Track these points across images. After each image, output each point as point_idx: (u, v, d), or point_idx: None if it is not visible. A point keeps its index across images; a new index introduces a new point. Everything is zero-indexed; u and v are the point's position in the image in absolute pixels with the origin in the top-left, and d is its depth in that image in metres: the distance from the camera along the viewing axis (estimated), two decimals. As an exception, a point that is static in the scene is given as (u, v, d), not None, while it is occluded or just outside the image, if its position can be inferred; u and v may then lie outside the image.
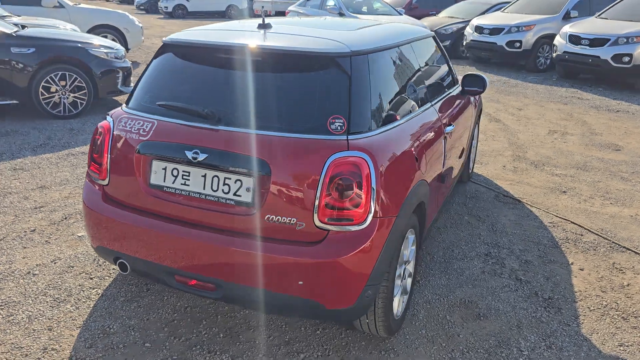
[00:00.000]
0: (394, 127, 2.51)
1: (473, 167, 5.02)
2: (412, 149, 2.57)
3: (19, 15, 8.67)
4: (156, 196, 2.45)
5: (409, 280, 2.83)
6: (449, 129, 3.21)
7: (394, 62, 2.77)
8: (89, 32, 10.39)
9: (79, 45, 6.51)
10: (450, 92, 3.68)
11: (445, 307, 2.96)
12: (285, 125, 2.28)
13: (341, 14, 12.04)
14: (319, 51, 2.36)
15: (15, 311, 2.76)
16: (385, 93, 2.56)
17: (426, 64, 3.34)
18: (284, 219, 2.24)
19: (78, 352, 2.49)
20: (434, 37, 3.75)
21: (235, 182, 2.29)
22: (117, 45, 7.18)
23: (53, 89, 6.30)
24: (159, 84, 2.59)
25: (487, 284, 3.21)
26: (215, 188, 2.33)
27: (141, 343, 2.57)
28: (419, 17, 14.57)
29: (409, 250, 2.69)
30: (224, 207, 2.32)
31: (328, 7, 12.41)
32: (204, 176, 2.35)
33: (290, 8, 14.22)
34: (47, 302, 2.86)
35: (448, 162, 3.32)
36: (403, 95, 2.75)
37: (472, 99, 4.26)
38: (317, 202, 2.19)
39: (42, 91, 6.23)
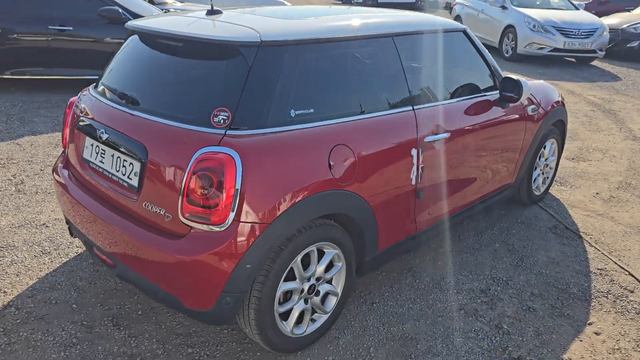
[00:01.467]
0: (304, 127, 2.26)
1: (546, 189, 4.25)
2: (327, 153, 2.29)
3: (182, 2, 9.77)
4: (86, 170, 2.60)
5: (332, 299, 2.55)
6: (432, 137, 2.77)
7: (342, 57, 2.48)
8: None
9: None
10: (473, 98, 3.15)
11: (380, 338, 2.60)
12: (172, 113, 2.23)
13: (504, 8, 11.02)
14: (223, 39, 2.24)
15: (7, 254, 3.20)
16: (306, 89, 2.31)
17: (424, 62, 2.93)
18: (156, 209, 2.21)
19: (19, 299, 2.79)
20: (464, 33, 3.25)
21: (129, 164, 2.32)
22: None
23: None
24: (115, 67, 2.71)
25: (452, 324, 2.73)
26: (117, 168, 2.39)
27: (71, 303, 2.78)
28: (609, 13, 12.65)
29: (321, 266, 2.42)
30: (121, 187, 2.37)
31: (490, -1, 11.47)
32: (112, 156, 2.42)
33: (457, 0, 13.48)
34: (35, 251, 3.24)
35: (434, 174, 2.87)
36: (345, 94, 2.46)
37: (529, 108, 3.60)
38: (181, 196, 2.11)
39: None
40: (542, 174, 4.14)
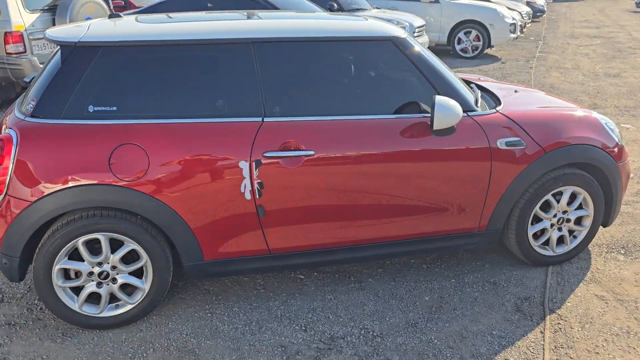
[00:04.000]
0: (96, 123, 2.44)
1: (571, 252, 3.23)
2: (109, 150, 2.41)
3: (387, 9, 10.12)
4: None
5: (138, 295, 2.65)
6: (278, 153, 2.55)
7: (162, 61, 2.53)
8: (455, 26, 10.87)
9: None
10: (381, 117, 2.72)
11: (168, 344, 2.58)
12: (29, 102, 2.66)
13: None
14: (57, 39, 2.58)
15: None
16: (112, 89, 2.49)
17: (308, 73, 2.69)
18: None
19: (2, 233, 3.65)
20: (394, 43, 2.78)
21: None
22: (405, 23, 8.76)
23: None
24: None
25: (253, 354, 2.49)
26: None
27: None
28: None
29: (115, 255, 2.54)
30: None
31: None
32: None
33: None
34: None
35: (287, 194, 2.62)
36: (155, 97, 2.51)
37: (501, 141, 2.84)
38: (0, 167, 2.55)
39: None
40: (558, 229, 3.18)
